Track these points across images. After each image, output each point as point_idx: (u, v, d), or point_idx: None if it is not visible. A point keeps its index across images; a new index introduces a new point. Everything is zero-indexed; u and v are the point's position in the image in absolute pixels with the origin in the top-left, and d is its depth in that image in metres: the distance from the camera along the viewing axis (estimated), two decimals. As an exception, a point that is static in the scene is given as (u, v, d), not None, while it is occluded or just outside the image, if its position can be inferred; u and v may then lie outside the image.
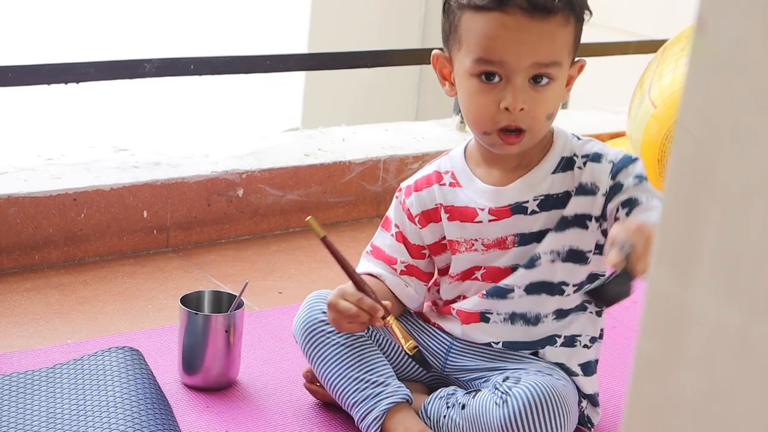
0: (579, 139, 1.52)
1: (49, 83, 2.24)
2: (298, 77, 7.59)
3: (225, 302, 1.72)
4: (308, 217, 1.47)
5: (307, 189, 2.46)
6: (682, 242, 0.56)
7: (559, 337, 1.54)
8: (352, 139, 2.69)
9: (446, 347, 1.59)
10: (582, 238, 1.49)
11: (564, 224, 1.49)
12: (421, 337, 1.61)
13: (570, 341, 1.55)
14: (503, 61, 1.40)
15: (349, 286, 1.47)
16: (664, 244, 0.58)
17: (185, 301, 1.68)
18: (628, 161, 1.46)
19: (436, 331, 1.61)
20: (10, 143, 4.79)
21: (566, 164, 1.50)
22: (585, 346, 1.55)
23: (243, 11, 8.07)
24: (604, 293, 1.26)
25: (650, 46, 3.05)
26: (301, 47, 7.69)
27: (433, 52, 1.51)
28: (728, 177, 0.54)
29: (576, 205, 1.48)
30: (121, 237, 2.22)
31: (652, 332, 0.58)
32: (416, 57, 2.97)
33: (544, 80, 1.42)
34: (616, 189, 1.45)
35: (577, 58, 1.48)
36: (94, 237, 2.19)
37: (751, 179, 0.53)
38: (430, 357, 1.60)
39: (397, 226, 1.61)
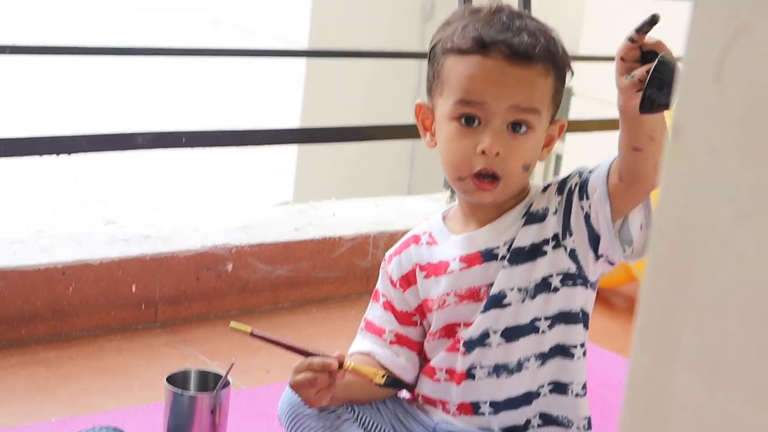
0: None
1: (41, 155, 2.25)
2: (291, 151, 7.64)
3: (211, 381, 1.71)
4: (231, 324, 1.49)
5: (297, 264, 2.46)
6: (660, 343, 0.57)
7: (548, 384, 1.51)
8: (342, 213, 2.70)
9: (431, 429, 1.57)
10: (544, 267, 1.48)
11: (520, 256, 1.48)
12: (404, 422, 1.59)
13: (562, 389, 1.52)
14: (483, 101, 1.44)
15: (299, 361, 1.47)
16: (642, 343, 0.58)
17: (171, 380, 1.67)
18: (568, 174, 1.49)
19: (418, 414, 1.59)
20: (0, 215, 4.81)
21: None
22: (577, 395, 1.52)
23: (237, 86, 8.13)
24: (659, 81, 1.23)
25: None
26: (294, 121, 7.75)
27: (417, 101, 1.54)
28: (704, 280, 0.54)
29: (529, 235, 1.48)
30: (109, 312, 2.21)
31: (632, 420, 0.58)
32: (409, 131, 3.00)
33: (523, 128, 1.45)
34: (569, 195, 1.46)
35: (557, 118, 1.52)
36: (82, 311, 2.18)
37: (727, 283, 0.53)
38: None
39: (384, 295, 1.62)
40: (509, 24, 1.45)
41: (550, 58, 1.46)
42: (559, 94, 1.50)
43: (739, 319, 0.52)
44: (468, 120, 1.45)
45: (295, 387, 1.47)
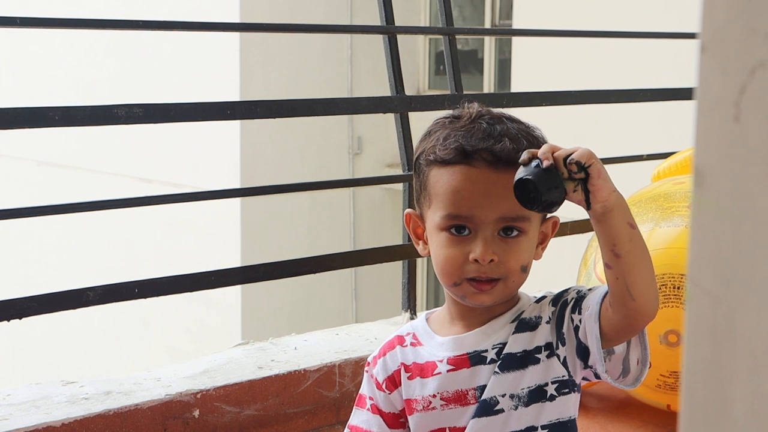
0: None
1: (-10, 322, 2.18)
2: (234, 288, 7.57)
3: None
4: None
5: (264, 402, 2.40)
6: (710, 405, 0.54)
7: None
8: (304, 347, 2.65)
9: None
10: (537, 374, 1.45)
11: (511, 363, 1.46)
12: None
13: None
14: (471, 215, 1.42)
15: None
16: (691, 410, 0.55)
17: None
18: (565, 289, 1.48)
19: None
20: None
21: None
22: None
23: (171, 233, 8.11)
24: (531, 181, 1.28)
25: (586, 226, 3.10)
26: (234, 262, 7.71)
27: (406, 211, 1.53)
28: (751, 329, 0.52)
29: (520, 342, 1.46)
30: (76, 474, 2.12)
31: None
32: (349, 259, 2.99)
33: (515, 232, 1.44)
34: (563, 306, 1.44)
35: (549, 215, 1.49)
36: (47, 477, 2.08)
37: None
38: None
39: (370, 398, 1.58)
40: (490, 130, 1.44)
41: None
42: None
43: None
44: (458, 229, 1.44)
45: None
